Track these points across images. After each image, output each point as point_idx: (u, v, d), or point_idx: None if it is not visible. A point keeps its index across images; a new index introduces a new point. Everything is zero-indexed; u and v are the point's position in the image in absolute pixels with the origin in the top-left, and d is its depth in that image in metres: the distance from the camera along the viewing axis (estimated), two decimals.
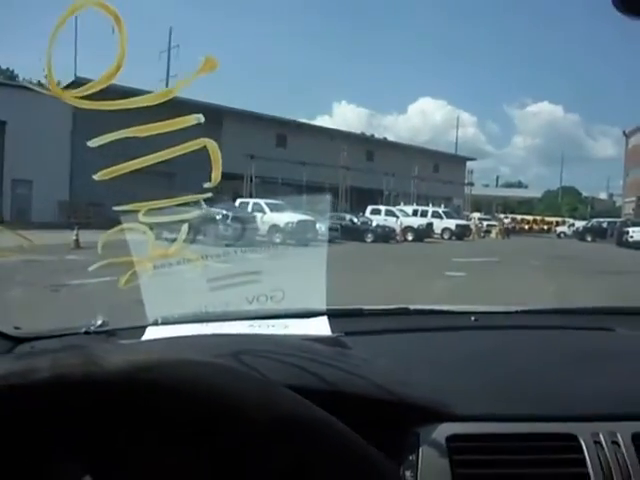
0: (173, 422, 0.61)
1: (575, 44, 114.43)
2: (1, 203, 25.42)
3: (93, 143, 0.79)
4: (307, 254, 1.33)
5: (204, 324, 1.20)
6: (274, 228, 20.75)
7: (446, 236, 30.58)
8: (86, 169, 0.87)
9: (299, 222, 21.80)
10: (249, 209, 22.67)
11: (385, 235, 25.22)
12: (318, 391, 0.78)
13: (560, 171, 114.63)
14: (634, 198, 48.77)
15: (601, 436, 0.85)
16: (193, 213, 0.98)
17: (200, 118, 0.75)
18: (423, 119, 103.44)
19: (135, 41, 0.88)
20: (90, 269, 0.94)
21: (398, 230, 26.68)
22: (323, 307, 1.26)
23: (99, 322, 1.19)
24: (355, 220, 26.18)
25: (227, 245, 1.40)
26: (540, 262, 16.49)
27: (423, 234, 27.73)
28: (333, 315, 1.27)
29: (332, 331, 1.19)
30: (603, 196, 74.70)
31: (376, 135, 48.64)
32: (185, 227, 1.00)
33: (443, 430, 0.83)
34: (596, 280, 12.14)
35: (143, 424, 0.61)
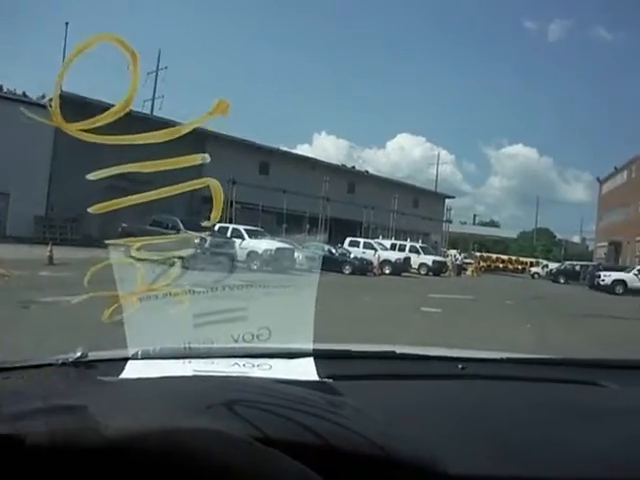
0: None
1: (550, 91, 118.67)
2: None
3: (93, 176, 0.76)
4: (296, 291, 1.30)
5: (186, 361, 1.16)
6: (252, 254, 20.64)
7: (423, 271, 30.79)
8: (66, 184, 0.84)
9: (277, 250, 21.78)
10: (228, 234, 22.49)
11: (363, 268, 25.27)
12: (314, 448, 0.75)
13: (535, 212, 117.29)
14: (606, 243, 49.99)
15: None
16: (186, 251, 0.95)
17: (206, 158, 0.74)
18: (402, 154, 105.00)
19: (123, 61, 0.87)
20: (73, 302, 0.91)
21: (376, 263, 26.78)
22: (309, 347, 1.24)
23: (78, 353, 1.14)
24: (333, 251, 26.22)
25: (202, 269, 1.36)
26: (514, 302, 16.64)
27: (400, 268, 27.86)
28: (319, 356, 1.24)
29: (318, 374, 1.16)
30: (576, 239, 76.46)
31: (356, 167, 49.20)
32: (178, 264, 0.98)
33: None
34: (570, 322, 12.29)
35: None
